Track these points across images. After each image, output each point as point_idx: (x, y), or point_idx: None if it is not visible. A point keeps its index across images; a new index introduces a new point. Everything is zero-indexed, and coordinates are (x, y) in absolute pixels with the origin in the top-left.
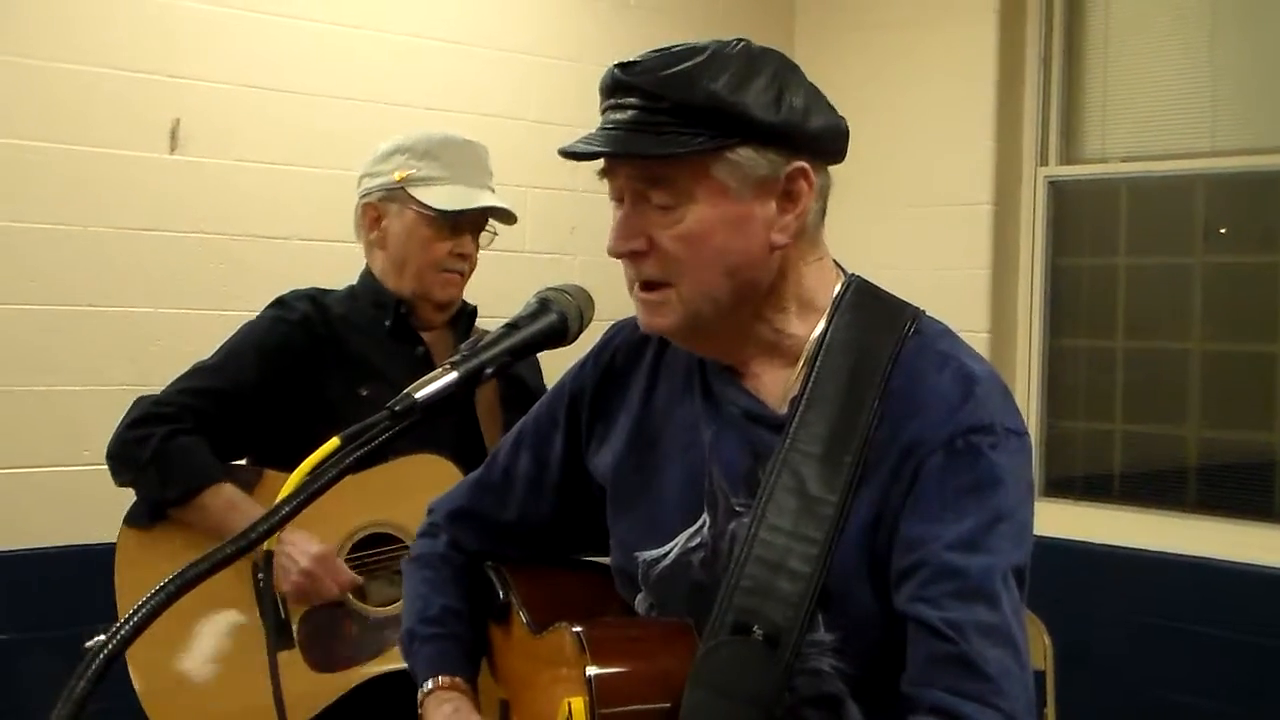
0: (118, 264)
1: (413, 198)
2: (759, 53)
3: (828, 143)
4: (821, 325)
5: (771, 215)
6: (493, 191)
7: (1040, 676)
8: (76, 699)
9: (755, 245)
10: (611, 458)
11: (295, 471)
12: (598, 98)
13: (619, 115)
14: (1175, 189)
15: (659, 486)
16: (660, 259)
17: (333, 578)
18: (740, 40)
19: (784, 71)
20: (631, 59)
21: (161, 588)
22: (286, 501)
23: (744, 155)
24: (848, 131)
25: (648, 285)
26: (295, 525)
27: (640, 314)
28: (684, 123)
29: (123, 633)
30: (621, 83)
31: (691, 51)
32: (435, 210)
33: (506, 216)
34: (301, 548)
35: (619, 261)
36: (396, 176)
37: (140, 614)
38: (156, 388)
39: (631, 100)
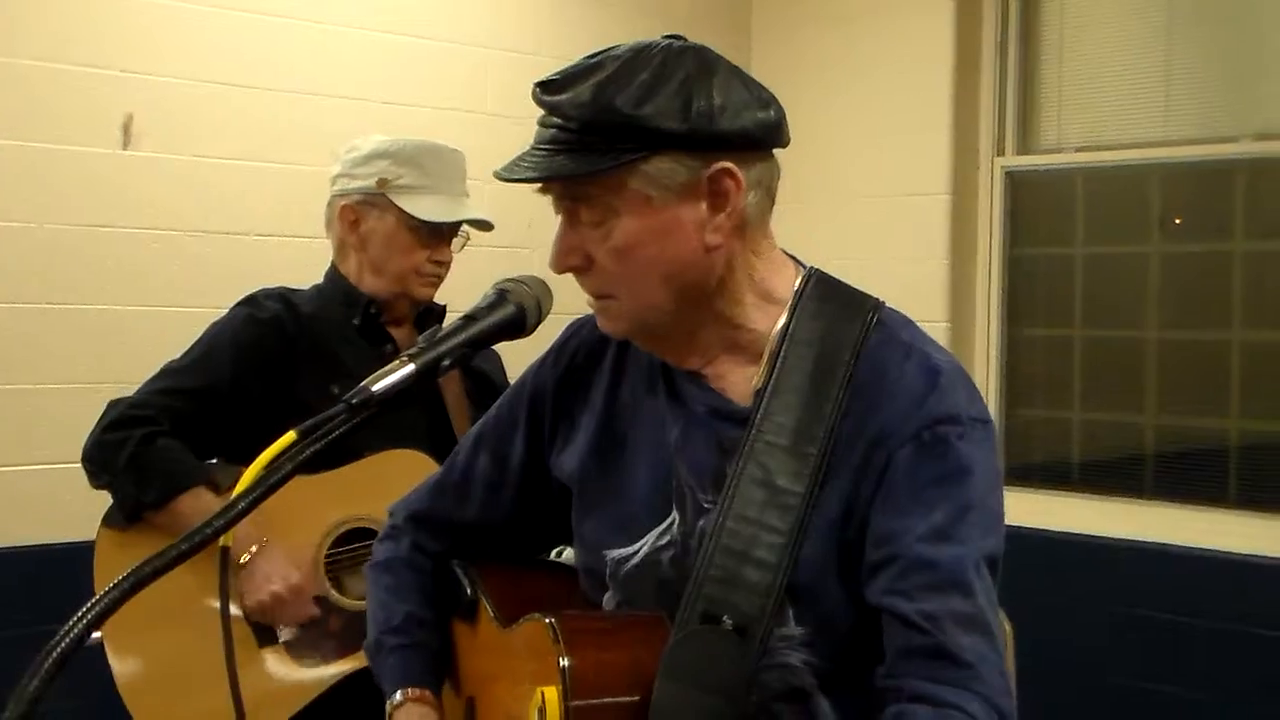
0: (72, 261)
1: (394, 205)
2: (676, 54)
3: (751, 138)
4: (784, 319)
5: (702, 217)
6: (469, 198)
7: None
8: (30, 697)
9: (688, 249)
10: (576, 458)
11: (251, 465)
12: None
13: (543, 135)
14: (1130, 178)
15: (626, 485)
16: (598, 273)
17: (297, 610)
18: (665, 41)
19: (697, 74)
20: (550, 76)
21: (115, 585)
22: (243, 496)
23: (657, 166)
24: (777, 121)
25: (597, 295)
26: (277, 539)
27: (597, 320)
28: (595, 140)
29: (76, 630)
30: (540, 103)
31: (600, 65)
32: (420, 221)
33: (484, 225)
34: (282, 572)
35: None
36: (377, 182)
37: (94, 611)
38: (114, 386)
39: (551, 120)
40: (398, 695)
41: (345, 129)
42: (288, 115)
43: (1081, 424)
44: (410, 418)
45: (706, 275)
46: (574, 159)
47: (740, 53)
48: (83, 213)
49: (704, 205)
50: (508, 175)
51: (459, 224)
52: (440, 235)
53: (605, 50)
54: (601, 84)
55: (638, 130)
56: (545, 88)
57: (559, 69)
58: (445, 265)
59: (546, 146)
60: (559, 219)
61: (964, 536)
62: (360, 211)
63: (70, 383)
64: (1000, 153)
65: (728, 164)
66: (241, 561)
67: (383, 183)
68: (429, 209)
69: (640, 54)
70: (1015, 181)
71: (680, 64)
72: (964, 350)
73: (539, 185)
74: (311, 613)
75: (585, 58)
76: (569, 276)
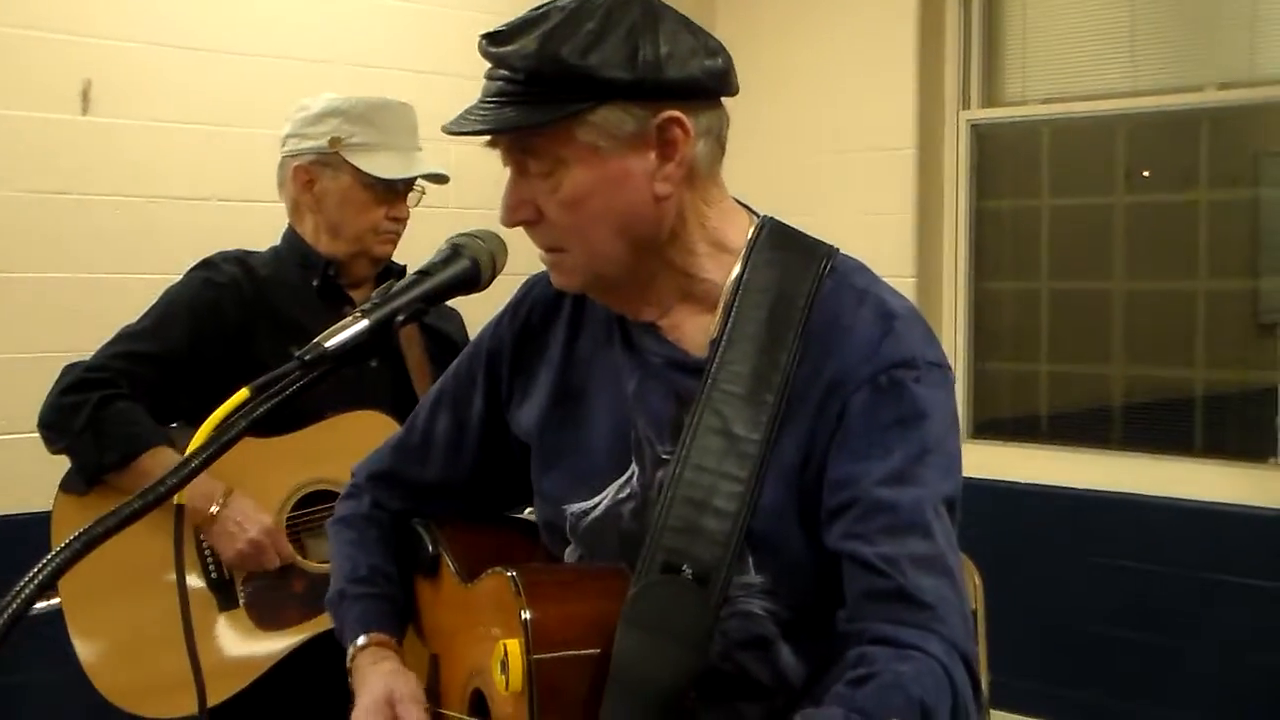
0: (31, 229)
1: (348, 164)
2: (621, 3)
3: (699, 86)
4: (738, 268)
5: (652, 167)
6: (422, 152)
7: (971, 616)
8: None
9: (639, 199)
10: (535, 413)
11: (204, 424)
12: None
13: (490, 87)
14: (1096, 130)
15: (585, 439)
16: (549, 226)
17: (277, 550)
18: None
19: (643, 23)
20: (497, 29)
21: (68, 544)
22: (196, 454)
23: (604, 116)
24: (725, 69)
25: (548, 248)
26: (239, 493)
27: (550, 276)
28: (541, 92)
29: (28, 590)
30: (486, 55)
31: (545, 16)
32: (376, 178)
33: (440, 178)
34: (251, 517)
35: None
36: (329, 141)
37: (46, 570)
38: (74, 355)
39: (498, 72)
40: (361, 639)
41: (308, 92)
42: (249, 79)
43: (1049, 376)
44: (371, 378)
45: (658, 226)
46: (521, 111)
47: (704, 8)
48: (42, 179)
49: (653, 155)
50: (456, 129)
51: (415, 179)
52: (396, 192)
53: (542, 5)
54: (547, 34)
55: (584, 80)
56: (491, 39)
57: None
58: (402, 222)
59: (493, 99)
60: (509, 172)
61: (923, 479)
62: (314, 172)
63: (30, 351)
64: (965, 106)
65: (676, 113)
66: (211, 512)
67: (335, 141)
68: (384, 166)
69: (585, 3)
70: (981, 134)
71: (626, 13)
72: (931, 304)
73: (488, 139)
74: (290, 551)
75: (531, 9)
76: (524, 234)
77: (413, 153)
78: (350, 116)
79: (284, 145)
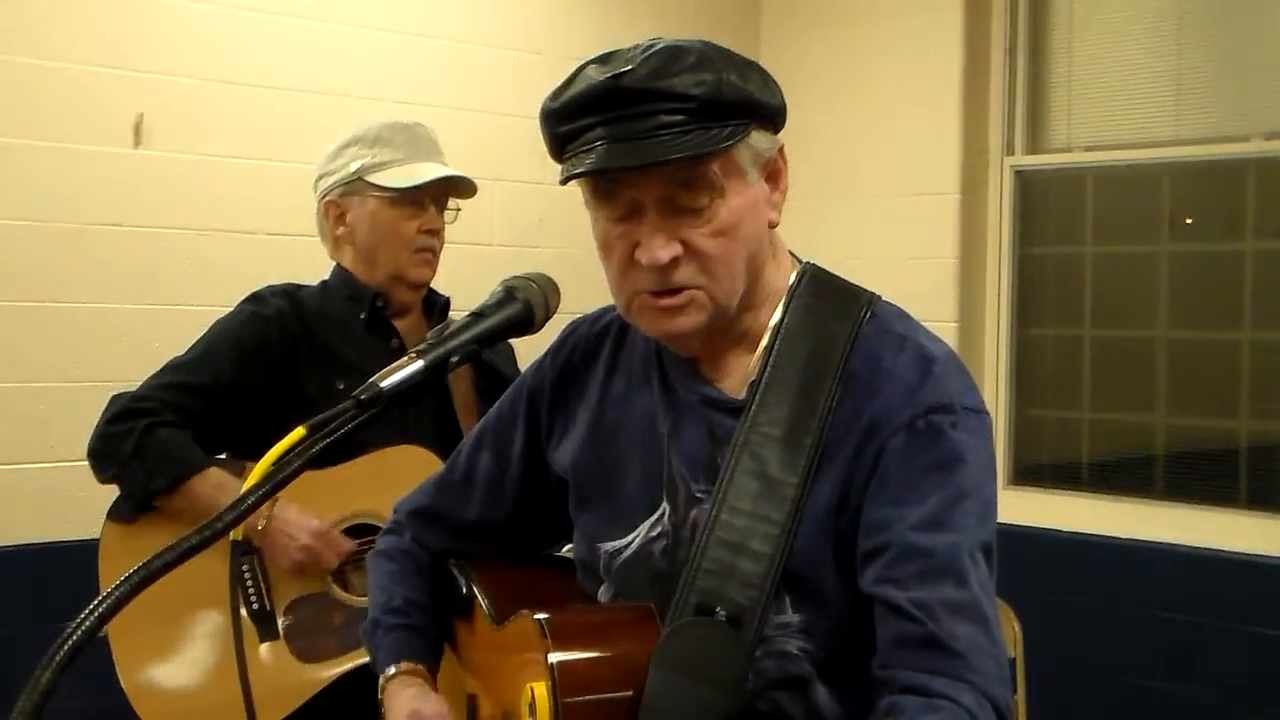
0: (83, 260)
1: (371, 184)
2: (721, 47)
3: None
4: (779, 312)
5: (767, 194)
6: (445, 167)
7: (1010, 664)
8: (42, 689)
9: (762, 226)
10: (572, 452)
11: (261, 461)
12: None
13: (633, 125)
14: (1141, 178)
15: (619, 478)
16: (695, 261)
17: (332, 550)
18: (696, 40)
19: (751, 60)
20: (621, 69)
21: (126, 579)
22: (252, 491)
23: (757, 138)
24: None
25: (671, 289)
26: (285, 501)
27: (657, 319)
28: (711, 118)
29: (88, 623)
30: (630, 91)
31: (681, 50)
32: (395, 190)
33: (466, 188)
34: (298, 523)
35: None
36: (352, 169)
37: (105, 605)
38: (124, 384)
39: (648, 107)
40: (391, 669)
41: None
42: (299, 114)
43: (1091, 424)
44: (416, 412)
45: (763, 258)
46: (695, 138)
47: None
48: (95, 212)
49: (765, 182)
50: (637, 161)
51: (443, 191)
52: (421, 203)
53: (649, 45)
54: (700, 64)
55: (748, 104)
56: (627, 76)
57: (607, 62)
58: (437, 236)
59: (650, 133)
60: (619, 222)
61: (958, 524)
62: (344, 204)
63: (82, 381)
64: (1010, 152)
65: (781, 141)
66: (259, 526)
67: (359, 169)
68: (402, 177)
69: (692, 43)
70: (1025, 181)
71: (732, 52)
72: (973, 350)
73: (600, 187)
74: (348, 546)
75: (635, 55)
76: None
77: (430, 163)
78: (367, 141)
79: (316, 189)
